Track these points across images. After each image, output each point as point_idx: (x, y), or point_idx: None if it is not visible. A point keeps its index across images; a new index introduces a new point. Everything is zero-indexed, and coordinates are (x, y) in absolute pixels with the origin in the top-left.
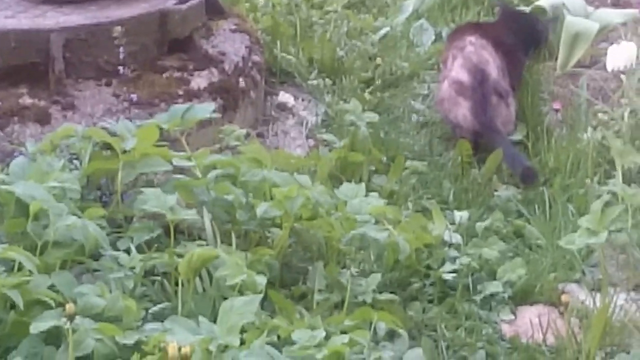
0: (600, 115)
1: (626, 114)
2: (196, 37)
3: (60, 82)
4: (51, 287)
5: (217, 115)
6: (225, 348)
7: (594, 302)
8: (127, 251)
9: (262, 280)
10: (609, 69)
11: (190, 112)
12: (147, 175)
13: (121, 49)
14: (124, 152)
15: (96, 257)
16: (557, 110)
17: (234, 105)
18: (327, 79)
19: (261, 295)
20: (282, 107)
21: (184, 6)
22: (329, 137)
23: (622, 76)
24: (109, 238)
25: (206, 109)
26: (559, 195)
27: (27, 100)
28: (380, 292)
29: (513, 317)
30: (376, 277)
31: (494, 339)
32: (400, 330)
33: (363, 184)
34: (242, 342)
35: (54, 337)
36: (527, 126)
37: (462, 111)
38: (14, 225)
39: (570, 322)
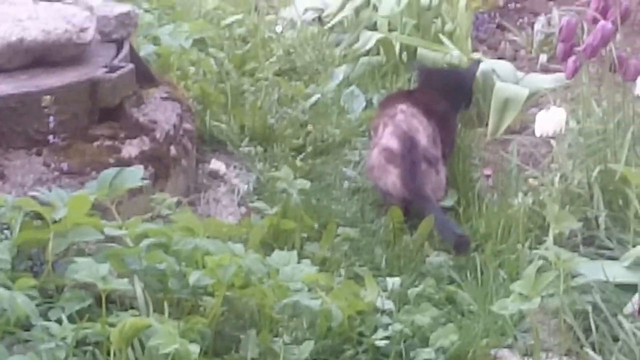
0: (530, 180)
1: (556, 180)
2: (127, 105)
3: None
4: None
5: (147, 181)
6: None
7: None
8: (59, 321)
9: (195, 349)
10: (538, 134)
11: (120, 177)
12: (78, 245)
13: (51, 118)
14: (55, 221)
15: (27, 327)
16: (488, 176)
17: (166, 173)
18: (258, 147)
19: None
20: (214, 175)
21: (114, 75)
22: (261, 205)
23: (552, 142)
24: (40, 308)
25: (136, 174)
26: (491, 261)
27: None
28: None
29: None
30: (309, 345)
31: None
32: None
33: (295, 252)
34: None
35: None
36: (458, 192)
37: (392, 178)
38: None
39: None
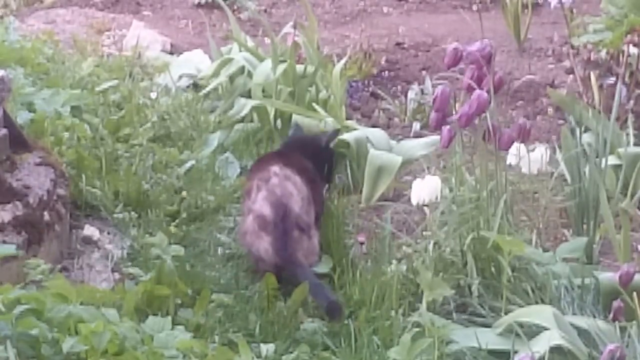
0: (404, 248)
1: (430, 247)
2: (0, 170)
3: None
4: None
5: (20, 250)
6: None
7: None
8: None
9: None
10: (414, 202)
11: None
12: None
13: None
14: None
15: None
16: (362, 243)
17: (39, 239)
18: (132, 212)
19: None
20: (88, 241)
21: None
22: (135, 271)
23: (426, 209)
24: None
25: (8, 248)
26: (365, 328)
27: None
28: None
29: None
30: None
31: None
32: None
33: (169, 318)
34: None
35: None
36: (333, 259)
37: (264, 245)
38: None
39: None
